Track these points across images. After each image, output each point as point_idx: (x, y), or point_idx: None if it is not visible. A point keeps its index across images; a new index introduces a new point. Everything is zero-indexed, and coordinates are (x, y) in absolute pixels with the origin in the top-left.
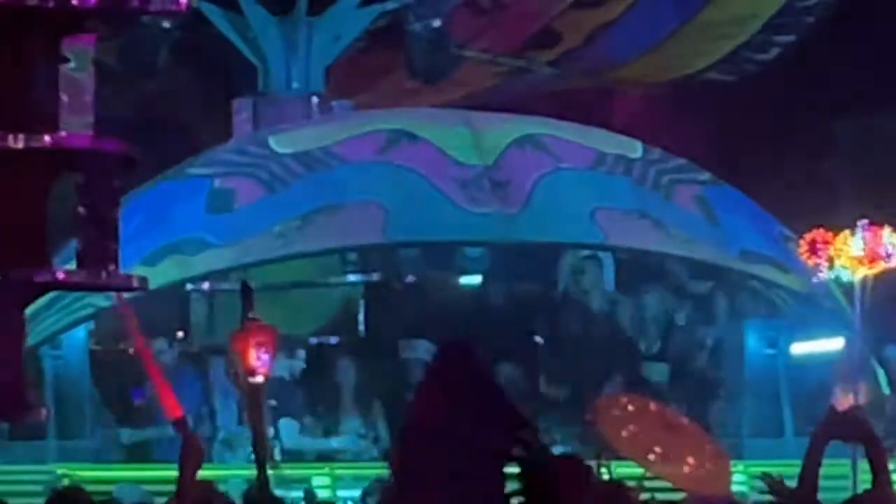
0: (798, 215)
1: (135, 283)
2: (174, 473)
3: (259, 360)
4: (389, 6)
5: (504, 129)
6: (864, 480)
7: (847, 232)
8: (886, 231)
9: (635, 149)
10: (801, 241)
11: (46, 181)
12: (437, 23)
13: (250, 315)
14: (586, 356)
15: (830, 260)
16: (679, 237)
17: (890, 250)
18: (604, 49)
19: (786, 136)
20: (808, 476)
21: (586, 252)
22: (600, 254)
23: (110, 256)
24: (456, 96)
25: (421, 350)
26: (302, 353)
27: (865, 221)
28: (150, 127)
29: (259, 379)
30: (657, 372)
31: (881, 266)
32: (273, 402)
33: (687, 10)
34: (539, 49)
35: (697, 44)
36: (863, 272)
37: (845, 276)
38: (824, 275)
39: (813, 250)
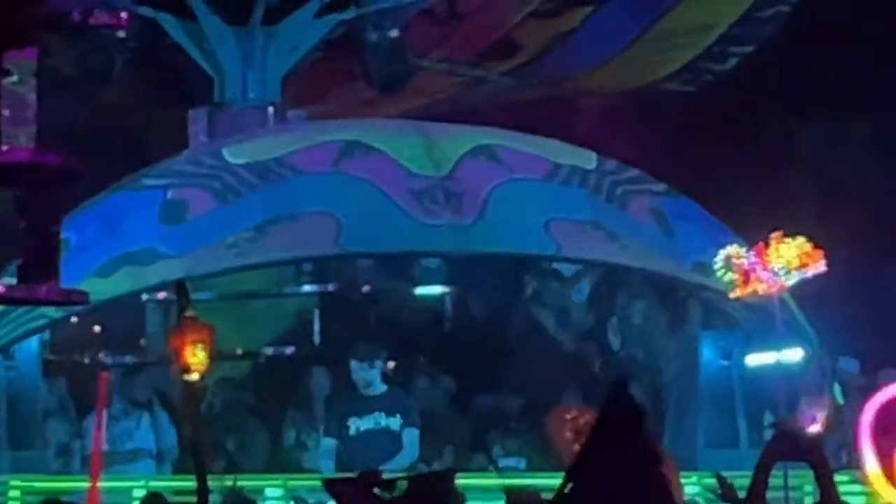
0: (755, 227)
1: (75, 298)
2: (131, 483)
3: (195, 358)
4: (347, 16)
5: (459, 140)
6: (795, 487)
7: (762, 246)
8: (800, 243)
9: (590, 160)
10: (717, 258)
11: None
12: (394, 33)
13: (187, 314)
14: (541, 368)
15: (746, 275)
16: (633, 249)
17: (805, 260)
18: (562, 59)
19: (743, 148)
20: (756, 494)
21: (545, 263)
22: (559, 265)
23: (51, 271)
24: (413, 106)
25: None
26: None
27: (779, 234)
28: (105, 136)
29: (195, 377)
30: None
31: (796, 277)
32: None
33: (644, 20)
34: (497, 59)
35: (655, 54)
36: (780, 284)
37: (762, 290)
38: (741, 290)
39: (728, 266)
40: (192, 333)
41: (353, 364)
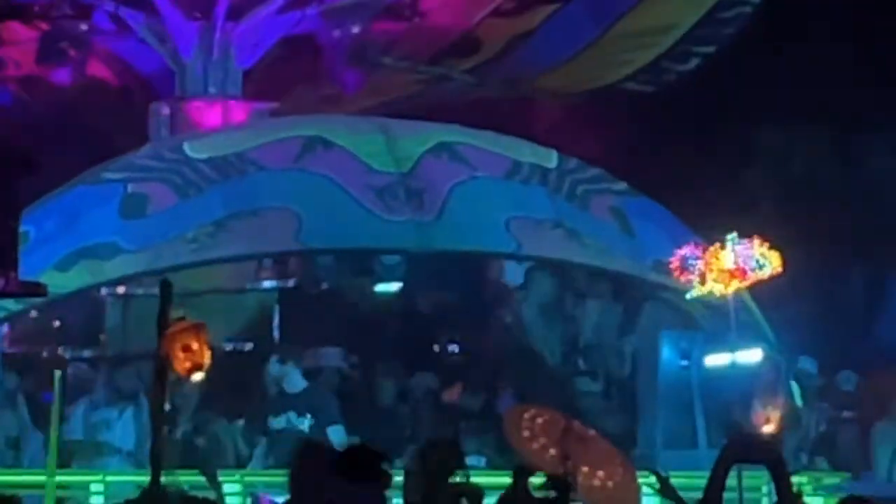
0: (714, 226)
1: (34, 291)
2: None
3: (206, 357)
4: (309, 13)
5: (420, 137)
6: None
7: (717, 246)
8: (756, 243)
9: (551, 158)
10: (672, 258)
11: None
12: (355, 29)
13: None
14: (500, 366)
15: (703, 275)
16: (593, 247)
17: (760, 262)
18: (523, 58)
19: (704, 147)
20: (712, 495)
21: (507, 261)
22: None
23: (10, 263)
24: (374, 103)
25: (330, 358)
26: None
27: (735, 235)
28: (66, 129)
29: (200, 375)
30: (572, 383)
31: (752, 279)
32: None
33: (605, 20)
34: (458, 57)
35: (616, 54)
36: (735, 286)
37: (718, 291)
38: (696, 291)
39: (684, 266)
40: (201, 333)
41: (271, 361)
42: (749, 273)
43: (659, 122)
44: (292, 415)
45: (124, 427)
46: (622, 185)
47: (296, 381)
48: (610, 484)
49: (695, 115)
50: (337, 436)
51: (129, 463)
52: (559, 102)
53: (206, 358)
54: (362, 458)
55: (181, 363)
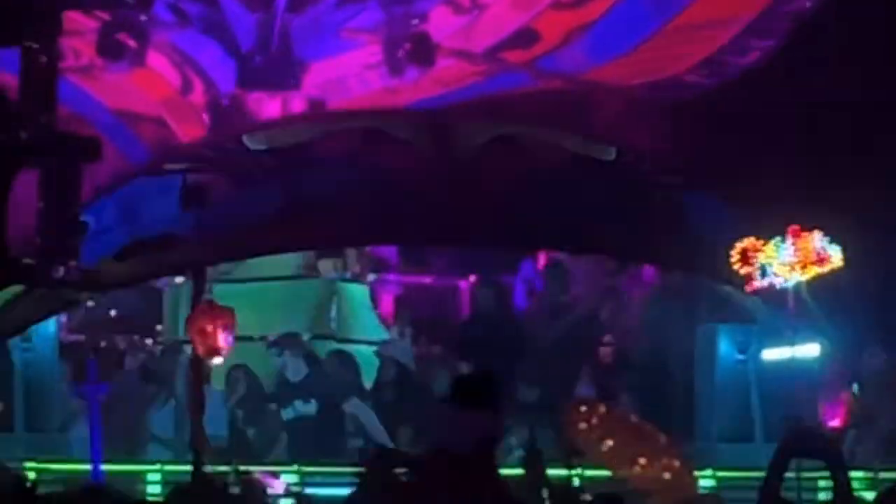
0: (775, 219)
1: (93, 280)
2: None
3: (223, 342)
4: (369, 4)
5: (479, 129)
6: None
7: (778, 239)
8: (816, 235)
9: (610, 152)
10: (732, 252)
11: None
12: (415, 21)
13: (206, 298)
14: (557, 359)
15: (763, 268)
16: (650, 240)
17: (822, 254)
18: (582, 50)
19: (764, 139)
20: (771, 486)
21: (561, 256)
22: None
23: (71, 252)
24: (433, 95)
25: (396, 350)
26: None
27: (796, 227)
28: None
29: (219, 360)
30: (628, 376)
31: (814, 271)
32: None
33: (667, 12)
34: (517, 49)
35: (675, 46)
36: (795, 278)
37: (779, 283)
38: (757, 283)
39: (745, 259)
40: (218, 317)
41: (271, 350)
42: (810, 266)
43: (718, 114)
44: (298, 403)
45: (162, 415)
46: (680, 179)
47: (298, 369)
48: (667, 476)
49: (755, 109)
50: (354, 408)
51: (167, 450)
52: (618, 95)
53: (222, 342)
54: (477, 386)
55: (198, 346)
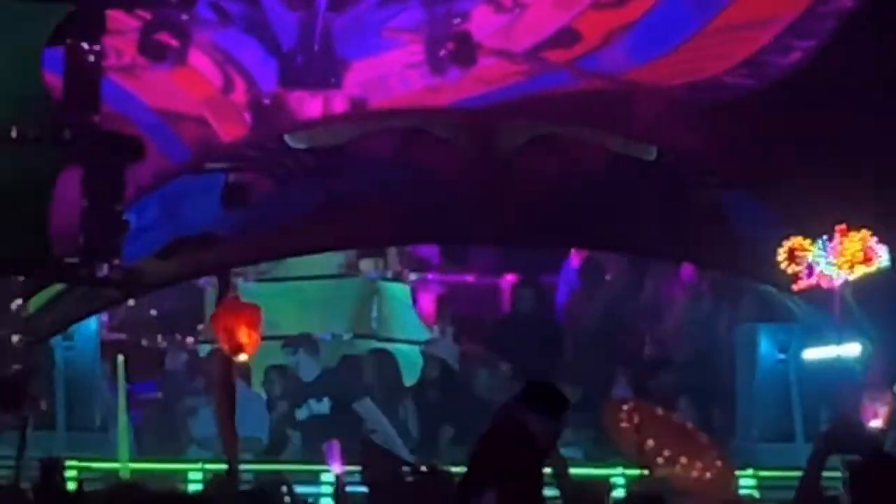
0: (817, 220)
1: (134, 278)
2: (179, 466)
3: (249, 339)
4: (410, 4)
5: (519, 129)
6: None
7: (825, 238)
8: (865, 234)
9: (650, 152)
10: (780, 250)
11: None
12: (456, 20)
13: (232, 295)
14: (597, 358)
15: (810, 267)
16: (691, 241)
17: (870, 253)
18: (623, 50)
19: (805, 140)
20: (808, 486)
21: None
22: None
23: (114, 251)
24: (475, 94)
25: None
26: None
27: (843, 227)
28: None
29: (244, 357)
30: (668, 375)
31: (862, 270)
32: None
33: (707, 12)
34: (558, 49)
35: (715, 46)
36: (842, 278)
37: (825, 283)
38: (804, 282)
39: (792, 258)
40: (244, 314)
41: (286, 350)
42: (857, 265)
43: (759, 115)
44: (312, 401)
45: (212, 416)
46: (721, 179)
47: (310, 369)
48: (707, 475)
49: (796, 109)
50: (364, 410)
51: (206, 452)
52: (658, 95)
53: (246, 338)
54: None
55: (223, 344)
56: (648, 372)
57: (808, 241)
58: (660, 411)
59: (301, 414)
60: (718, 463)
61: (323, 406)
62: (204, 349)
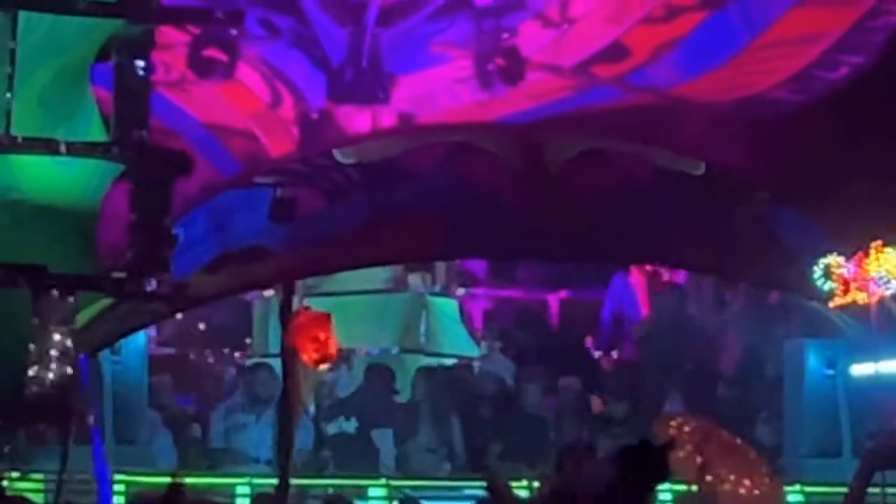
0: (859, 236)
1: (184, 293)
2: (231, 480)
3: (333, 348)
4: (458, 19)
5: (567, 144)
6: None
7: (862, 254)
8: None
9: (698, 167)
10: (815, 267)
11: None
12: (505, 35)
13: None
14: (646, 375)
15: (846, 283)
16: (739, 255)
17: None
18: (671, 65)
19: (850, 156)
20: (856, 496)
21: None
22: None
23: (161, 265)
24: (523, 109)
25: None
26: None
27: (879, 243)
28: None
29: (327, 365)
30: (718, 391)
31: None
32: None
33: (755, 28)
34: (607, 63)
35: (763, 62)
36: (879, 294)
37: (862, 299)
38: (840, 299)
39: (828, 275)
40: (326, 324)
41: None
42: (893, 282)
43: (806, 130)
44: (342, 419)
45: (260, 432)
46: (767, 194)
47: (346, 384)
48: (756, 493)
49: (843, 124)
50: (382, 439)
51: (253, 468)
52: (706, 110)
53: (334, 348)
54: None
55: (310, 354)
56: (700, 388)
57: (843, 259)
58: (709, 426)
59: (331, 429)
60: (767, 479)
61: (350, 425)
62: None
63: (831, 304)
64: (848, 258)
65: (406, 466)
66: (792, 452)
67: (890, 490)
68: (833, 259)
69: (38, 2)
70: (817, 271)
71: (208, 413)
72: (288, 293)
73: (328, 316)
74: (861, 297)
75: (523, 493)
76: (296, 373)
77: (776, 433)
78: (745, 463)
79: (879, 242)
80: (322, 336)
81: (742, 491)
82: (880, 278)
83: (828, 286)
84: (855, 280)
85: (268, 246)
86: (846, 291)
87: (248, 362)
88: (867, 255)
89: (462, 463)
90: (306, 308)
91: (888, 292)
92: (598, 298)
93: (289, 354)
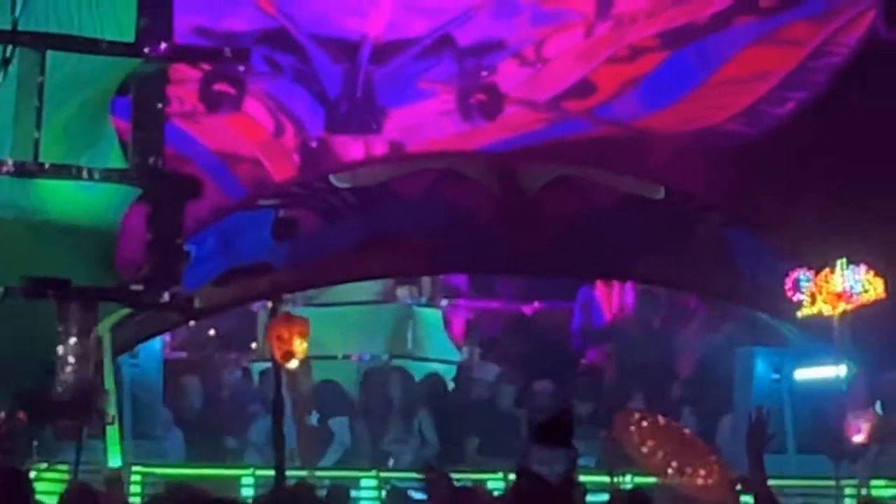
0: (808, 256)
1: (195, 304)
2: (235, 472)
3: (301, 347)
4: (443, 58)
5: (540, 171)
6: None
7: (827, 270)
8: (863, 269)
9: (658, 192)
10: (786, 280)
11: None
12: (484, 73)
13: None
14: (612, 377)
15: (813, 296)
16: (698, 272)
17: (867, 285)
18: (634, 100)
19: (800, 182)
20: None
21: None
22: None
23: (174, 278)
24: (501, 139)
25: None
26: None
27: (844, 260)
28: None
29: (295, 363)
30: (676, 392)
31: (857, 301)
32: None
33: (710, 66)
34: (576, 98)
35: (718, 98)
36: (842, 307)
37: (826, 311)
38: (807, 310)
39: (796, 288)
40: (294, 325)
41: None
42: (854, 296)
43: (757, 159)
44: (313, 414)
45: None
46: (723, 217)
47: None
48: (710, 482)
49: (794, 154)
50: (338, 427)
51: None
52: (666, 141)
53: (297, 346)
54: (558, 427)
55: (276, 351)
56: (660, 390)
57: (812, 273)
58: (668, 422)
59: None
60: (718, 468)
61: (312, 418)
62: (257, 367)
63: (799, 314)
64: (816, 273)
65: (386, 459)
66: (742, 448)
67: (844, 482)
68: (802, 273)
69: (66, 42)
70: (787, 284)
71: (218, 412)
72: (276, 303)
73: (299, 319)
74: (826, 309)
75: (499, 484)
76: (288, 374)
77: (729, 430)
78: (699, 455)
79: (844, 260)
80: (285, 335)
81: (699, 481)
82: (845, 293)
83: (797, 297)
84: (821, 293)
85: (271, 262)
86: (813, 303)
87: (259, 367)
88: (833, 271)
89: (435, 455)
90: (287, 312)
91: (850, 306)
92: (567, 309)
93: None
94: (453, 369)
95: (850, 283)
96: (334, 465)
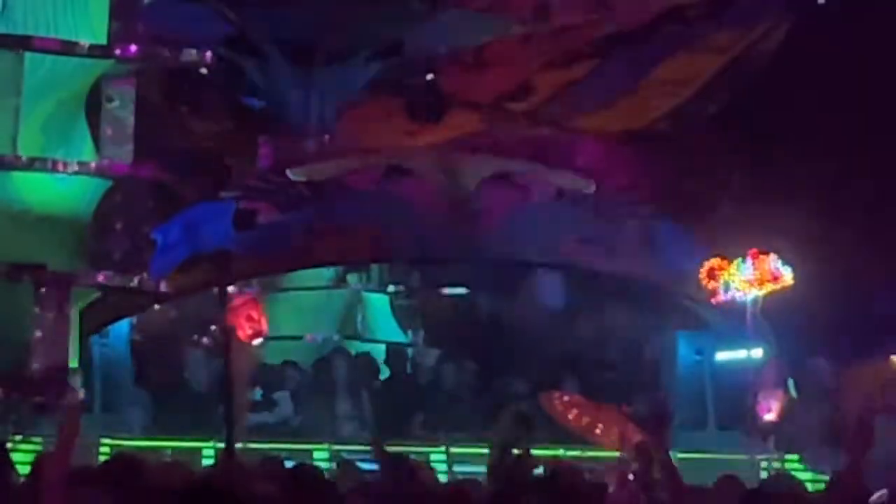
0: (728, 245)
1: (162, 289)
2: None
3: (264, 325)
4: (390, 62)
5: (481, 167)
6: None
7: (739, 259)
8: (772, 257)
9: (590, 186)
10: (701, 269)
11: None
12: (429, 76)
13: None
14: (546, 359)
15: (726, 283)
16: (626, 261)
17: (777, 273)
18: (570, 102)
19: (720, 178)
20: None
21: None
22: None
23: (143, 265)
24: (446, 138)
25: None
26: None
27: (755, 250)
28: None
29: (259, 340)
30: (605, 374)
31: (769, 287)
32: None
33: (639, 72)
34: (516, 100)
35: (647, 100)
36: (754, 293)
37: (739, 297)
38: (721, 297)
39: (711, 276)
40: (256, 305)
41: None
42: (766, 283)
43: (682, 156)
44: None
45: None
46: (651, 210)
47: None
48: (617, 431)
49: (714, 151)
50: (282, 399)
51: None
52: (599, 140)
53: (265, 325)
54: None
55: (245, 331)
56: (590, 372)
57: (725, 262)
58: (581, 397)
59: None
60: (627, 424)
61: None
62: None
63: (713, 301)
64: (729, 262)
65: (335, 433)
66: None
67: (760, 456)
68: (716, 262)
69: (44, 46)
70: (702, 272)
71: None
72: (223, 292)
73: (258, 299)
74: (739, 296)
75: (440, 456)
76: (235, 349)
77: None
78: (611, 417)
79: (755, 250)
80: (255, 315)
81: (608, 435)
82: (754, 280)
83: (711, 285)
84: (734, 280)
85: (232, 250)
86: (726, 290)
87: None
88: (745, 260)
89: (374, 429)
90: (240, 293)
91: (761, 292)
92: (506, 294)
93: (225, 333)
94: (399, 350)
95: (760, 272)
96: (275, 427)
